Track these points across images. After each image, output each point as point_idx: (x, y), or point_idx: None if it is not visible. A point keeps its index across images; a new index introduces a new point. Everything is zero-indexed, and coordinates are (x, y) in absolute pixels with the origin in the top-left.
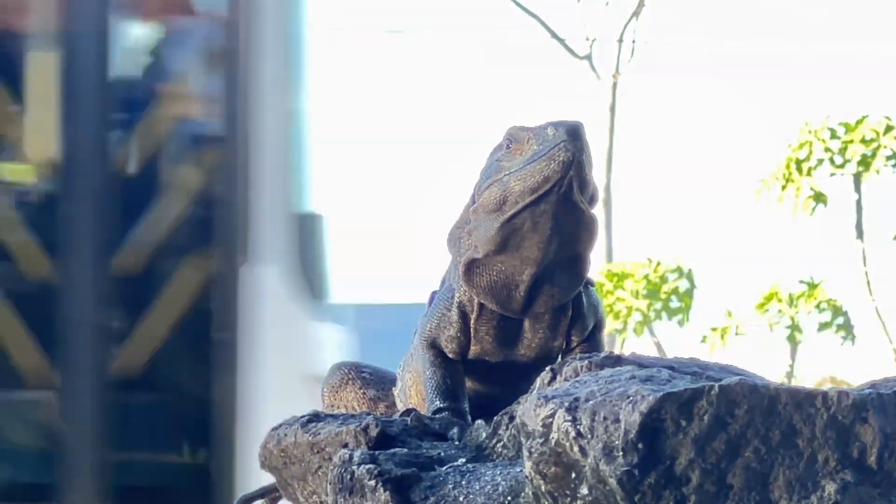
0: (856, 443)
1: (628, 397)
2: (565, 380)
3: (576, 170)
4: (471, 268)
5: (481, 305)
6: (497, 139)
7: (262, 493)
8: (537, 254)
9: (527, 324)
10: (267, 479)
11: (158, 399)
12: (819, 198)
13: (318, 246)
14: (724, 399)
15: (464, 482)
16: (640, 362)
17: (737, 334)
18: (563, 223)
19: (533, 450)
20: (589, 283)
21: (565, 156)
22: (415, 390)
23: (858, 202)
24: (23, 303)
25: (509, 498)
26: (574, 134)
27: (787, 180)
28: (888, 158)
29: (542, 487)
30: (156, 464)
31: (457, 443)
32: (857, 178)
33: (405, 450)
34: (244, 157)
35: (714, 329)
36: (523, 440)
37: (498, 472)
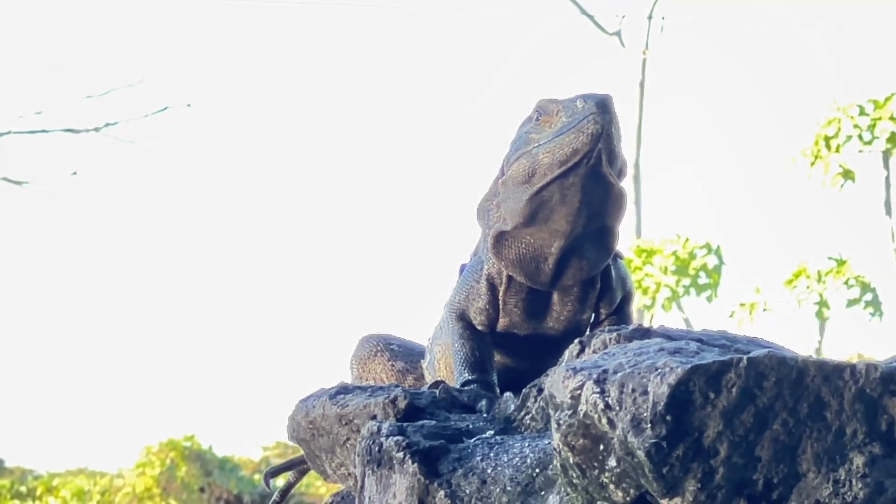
0: (884, 416)
1: (657, 369)
2: (594, 352)
3: (605, 142)
4: (499, 240)
5: (510, 278)
6: (526, 114)
7: (289, 465)
8: (566, 226)
9: (555, 296)
10: None
11: None
12: (847, 174)
13: None
14: (753, 371)
15: (492, 454)
16: (668, 334)
17: (765, 310)
18: (591, 196)
19: (561, 422)
20: (618, 256)
21: (594, 128)
22: (443, 363)
23: (887, 179)
24: None
25: (537, 470)
26: (603, 106)
27: (816, 157)
28: None
29: (571, 459)
30: None
31: (485, 415)
32: (886, 154)
33: (433, 422)
34: None
35: (742, 305)
36: (552, 412)
37: (526, 444)
